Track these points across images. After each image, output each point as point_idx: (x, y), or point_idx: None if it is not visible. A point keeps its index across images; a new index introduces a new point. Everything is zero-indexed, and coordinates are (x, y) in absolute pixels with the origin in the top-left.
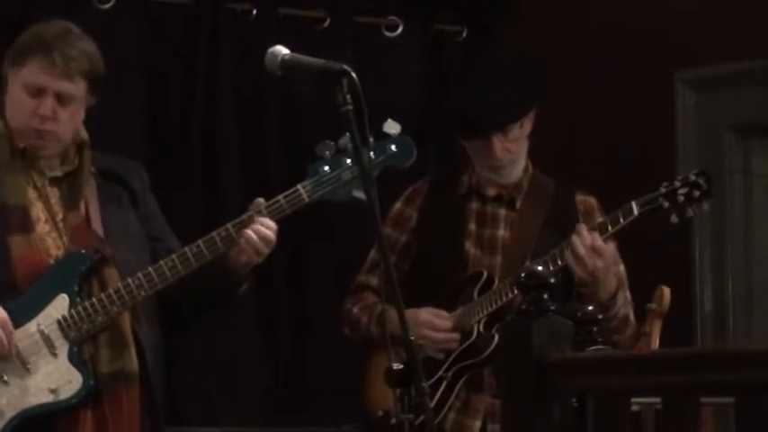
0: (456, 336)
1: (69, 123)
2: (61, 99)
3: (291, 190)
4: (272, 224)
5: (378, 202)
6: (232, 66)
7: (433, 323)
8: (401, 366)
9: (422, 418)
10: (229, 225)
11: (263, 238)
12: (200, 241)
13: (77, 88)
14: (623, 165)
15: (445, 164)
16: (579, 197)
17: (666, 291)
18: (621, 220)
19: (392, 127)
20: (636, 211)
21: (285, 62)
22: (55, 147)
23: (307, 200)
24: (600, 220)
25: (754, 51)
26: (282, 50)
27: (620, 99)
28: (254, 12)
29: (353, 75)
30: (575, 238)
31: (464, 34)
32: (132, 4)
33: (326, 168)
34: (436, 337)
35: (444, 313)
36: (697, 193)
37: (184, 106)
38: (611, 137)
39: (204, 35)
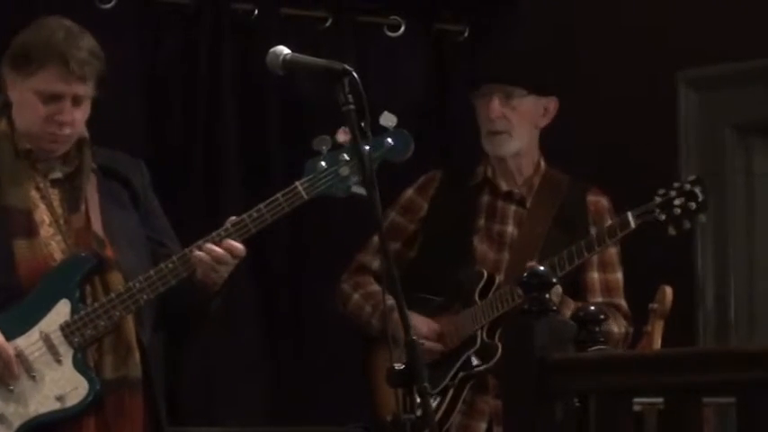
0: (438, 346)
1: (80, 122)
2: (76, 101)
3: (290, 188)
4: (233, 245)
5: (378, 199)
6: (234, 66)
7: (420, 330)
8: (402, 366)
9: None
10: (207, 245)
11: (214, 257)
12: (200, 242)
13: (89, 88)
14: (625, 164)
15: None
16: (591, 197)
17: (668, 290)
18: (618, 232)
19: (388, 119)
20: (633, 224)
21: (287, 62)
22: (66, 146)
23: (306, 197)
24: (595, 232)
25: (756, 51)
26: (284, 50)
27: (621, 99)
28: (256, 12)
29: (355, 74)
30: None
31: (466, 34)
32: (134, 3)
33: (323, 164)
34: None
35: (432, 323)
36: (693, 205)
37: (186, 106)
38: (613, 136)
39: (206, 35)
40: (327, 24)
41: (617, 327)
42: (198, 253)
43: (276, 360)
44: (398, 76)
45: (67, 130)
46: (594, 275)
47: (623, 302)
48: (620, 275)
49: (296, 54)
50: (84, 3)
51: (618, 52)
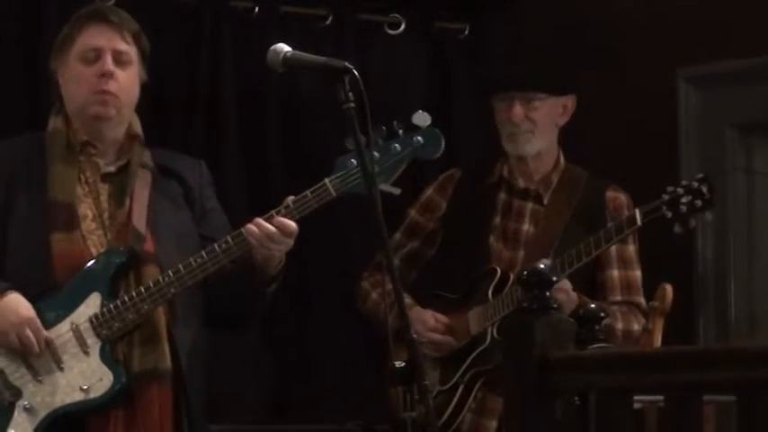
0: (449, 339)
1: (127, 88)
2: (118, 59)
3: (318, 184)
4: (284, 222)
5: (379, 198)
6: (234, 64)
7: (427, 323)
8: (403, 365)
9: (443, 418)
10: (257, 220)
11: (264, 233)
12: (228, 236)
13: (131, 51)
14: (625, 162)
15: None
16: (610, 194)
17: (669, 288)
18: (626, 229)
19: (422, 119)
20: (639, 221)
21: (287, 60)
22: (115, 108)
23: (334, 194)
24: (603, 229)
25: (757, 49)
26: (284, 48)
27: (622, 96)
28: (256, 10)
29: (355, 72)
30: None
31: (466, 32)
32: (134, 2)
33: (353, 162)
34: (431, 336)
35: (441, 316)
36: (699, 203)
37: (186, 104)
38: (614, 134)
39: (206, 33)
40: (328, 22)
41: (637, 325)
42: (249, 226)
43: (277, 359)
44: (399, 74)
45: (113, 85)
46: (614, 273)
47: (642, 300)
48: (639, 273)
49: (296, 52)
50: (84, 2)
51: (618, 50)
